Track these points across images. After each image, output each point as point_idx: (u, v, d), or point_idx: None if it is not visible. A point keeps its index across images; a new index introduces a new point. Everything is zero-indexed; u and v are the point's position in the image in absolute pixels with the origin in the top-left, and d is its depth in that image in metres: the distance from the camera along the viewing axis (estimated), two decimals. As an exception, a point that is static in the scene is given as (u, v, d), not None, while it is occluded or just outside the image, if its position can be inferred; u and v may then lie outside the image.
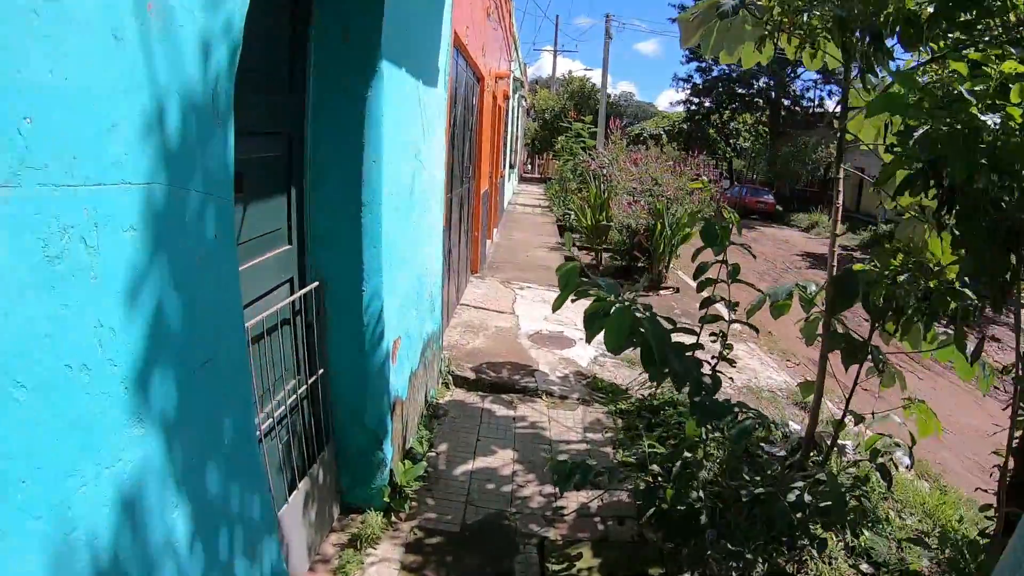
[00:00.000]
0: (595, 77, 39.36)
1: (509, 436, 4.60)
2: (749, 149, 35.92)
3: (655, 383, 2.32)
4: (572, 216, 14.50)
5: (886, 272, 2.87)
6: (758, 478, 2.80)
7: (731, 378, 7.11)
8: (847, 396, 3.44)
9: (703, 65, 36.73)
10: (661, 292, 10.58)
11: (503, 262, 10.22)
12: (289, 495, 2.78)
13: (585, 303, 2.41)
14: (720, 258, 2.76)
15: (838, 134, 3.41)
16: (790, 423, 6.18)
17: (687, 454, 2.89)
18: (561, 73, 43.34)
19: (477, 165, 8.30)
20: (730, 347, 2.91)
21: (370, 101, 2.74)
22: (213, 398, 1.61)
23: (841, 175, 3.52)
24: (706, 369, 2.71)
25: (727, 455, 3.08)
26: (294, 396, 2.82)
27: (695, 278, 2.89)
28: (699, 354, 2.69)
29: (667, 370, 2.26)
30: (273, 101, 2.53)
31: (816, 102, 34.39)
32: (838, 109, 3.18)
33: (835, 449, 4.11)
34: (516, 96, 20.38)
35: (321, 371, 3.07)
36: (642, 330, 2.19)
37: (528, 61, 34.69)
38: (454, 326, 6.53)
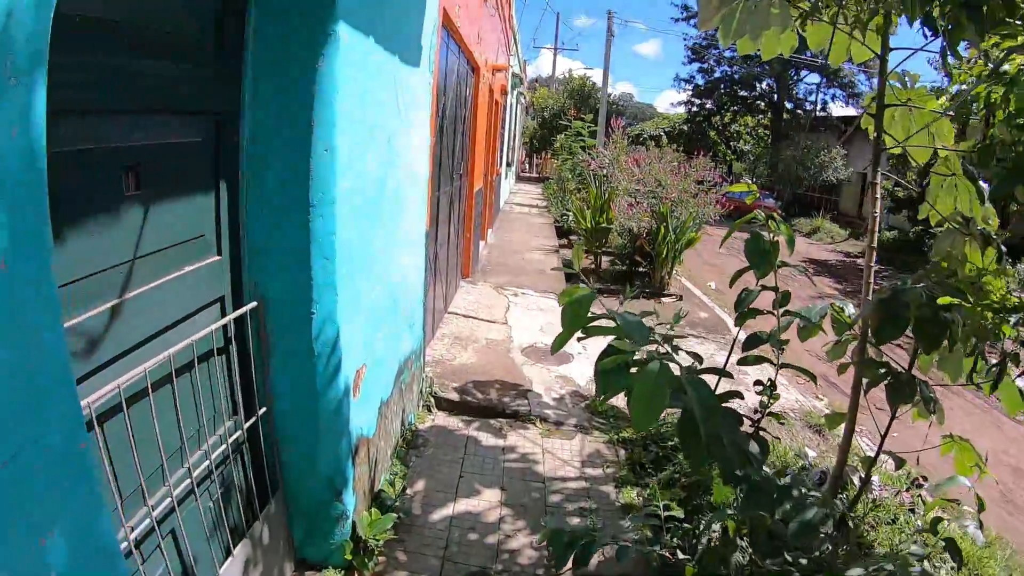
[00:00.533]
0: (595, 77, 38.85)
1: (496, 472, 4.02)
2: (749, 152, 35.36)
3: (692, 467, 1.73)
4: (571, 217, 13.93)
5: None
6: (803, 560, 2.21)
7: (741, 397, 6.57)
8: (882, 433, 2.86)
9: (705, 66, 36.26)
10: (663, 299, 10.01)
11: (497, 265, 9.63)
12: (224, 561, 2.20)
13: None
14: (769, 284, 2.17)
15: (875, 134, 2.84)
16: (807, 450, 5.64)
17: (714, 527, 2.31)
18: (561, 72, 42.83)
19: (470, 161, 7.71)
20: (776, 396, 2.32)
21: (322, 73, 2.15)
22: (17, 515, 1.02)
23: (879, 179, 2.93)
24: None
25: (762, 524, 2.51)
26: (227, 443, 2.23)
27: (736, 308, 2.29)
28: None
29: (714, 449, 1.66)
30: (194, 71, 1.95)
31: (819, 106, 33.94)
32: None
33: (866, 488, 3.56)
34: (515, 93, 19.80)
35: (263, 410, 2.49)
36: (685, 393, 1.58)
37: (528, 59, 34.14)
38: (440, 338, 5.94)
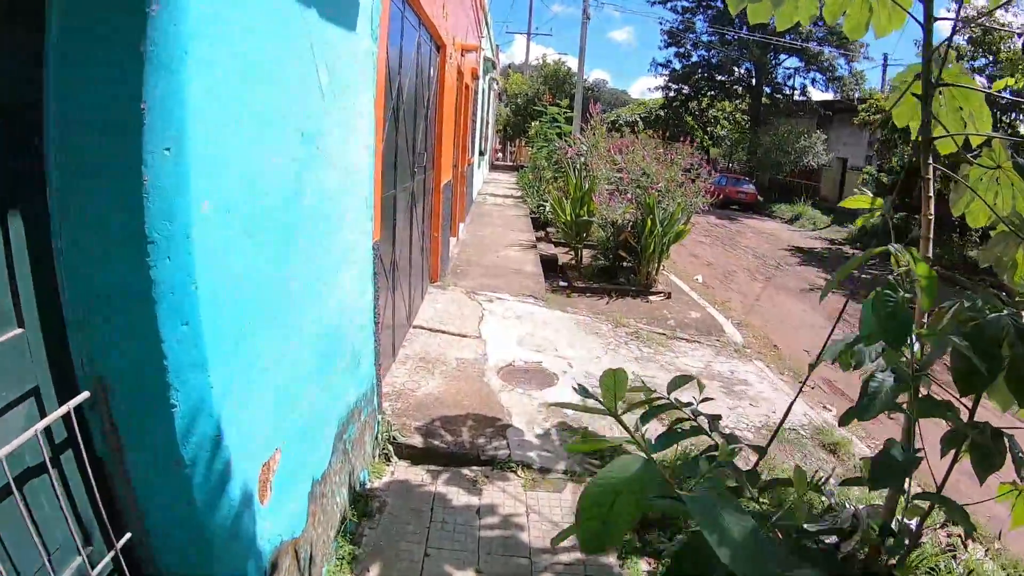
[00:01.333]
0: (570, 63, 37.93)
1: (471, 544, 3.20)
2: (726, 138, 34.77)
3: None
4: (548, 208, 13.12)
5: None
6: None
7: (745, 412, 5.85)
8: (939, 484, 2.07)
9: (682, 51, 35.59)
10: (651, 298, 9.25)
11: (469, 265, 8.78)
12: None
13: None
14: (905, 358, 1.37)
15: (923, 119, 2.08)
16: (831, 480, 4.91)
17: None
18: (535, 58, 41.81)
19: (436, 152, 6.86)
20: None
21: (158, 24, 1.30)
22: None
23: (931, 175, 2.15)
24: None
25: None
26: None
27: (859, 401, 1.48)
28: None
29: None
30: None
31: (799, 90, 33.47)
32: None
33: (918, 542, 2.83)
34: (487, 78, 18.89)
35: (128, 536, 1.65)
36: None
37: (501, 46, 33.13)
38: (403, 361, 5.10)
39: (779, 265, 15.47)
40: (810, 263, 16.32)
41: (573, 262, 10.50)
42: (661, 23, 36.75)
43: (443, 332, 5.81)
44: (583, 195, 10.27)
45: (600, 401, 1.31)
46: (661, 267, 9.89)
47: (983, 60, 15.39)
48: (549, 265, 10.27)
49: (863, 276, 16.05)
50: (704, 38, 34.61)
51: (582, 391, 1.44)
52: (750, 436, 5.20)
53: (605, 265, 10.00)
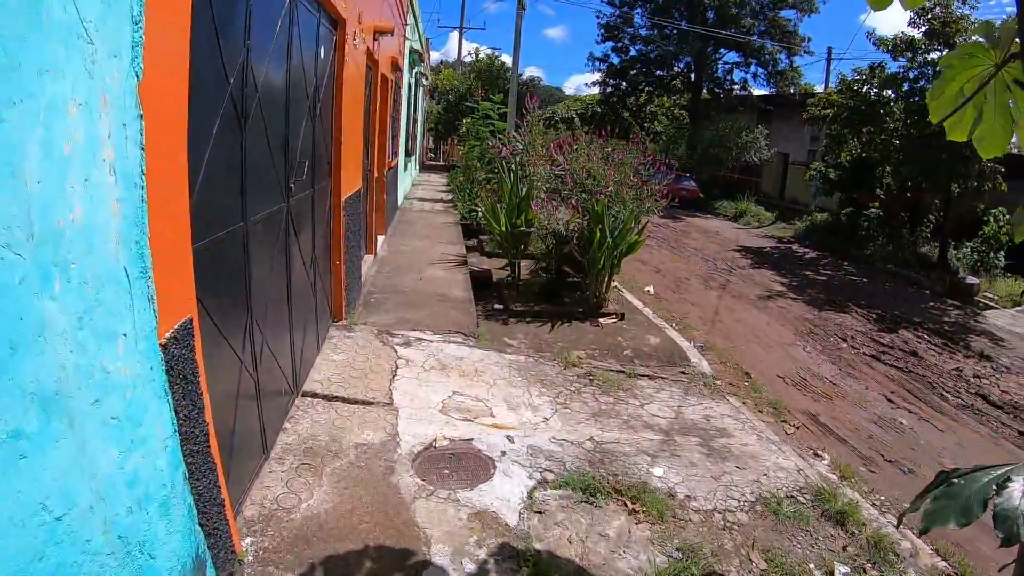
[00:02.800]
0: (504, 59, 36.46)
1: None
2: (663, 133, 34.01)
3: None
4: (480, 214, 11.73)
5: None
6: None
7: (733, 481, 4.62)
8: None
9: (620, 45, 34.70)
10: (602, 321, 7.98)
11: (385, 293, 7.29)
12: None
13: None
14: None
15: None
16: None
17: None
18: (467, 53, 40.27)
19: (336, 158, 5.38)
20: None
21: None
22: None
23: None
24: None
25: None
26: None
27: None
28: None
29: None
30: None
31: (739, 84, 32.96)
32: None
33: None
34: (415, 72, 17.38)
35: None
36: None
37: (433, 41, 31.51)
38: (281, 456, 3.62)
39: (731, 269, 14.49)
40: (762, 265, 15.41)
41: (510, 278, 9.15)
42: (599, 16, 35.84)
43: (342, 400, 4.35)
44: (520, 201, 8.89)
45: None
46: (612, 284, 8.63)
47: (937, 53, 14.72)
48: (482, 282, 8.91)
49: (818, 278, 15.28)
50: (643, 32, 33.83)
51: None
52: (745, 519, 3.99)
53: (547, 281, 8.68)
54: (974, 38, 1.96)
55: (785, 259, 16.84)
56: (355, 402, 4.35)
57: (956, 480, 1.78)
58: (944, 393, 7.63)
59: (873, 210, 18.37)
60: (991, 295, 13.66)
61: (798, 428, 6.18)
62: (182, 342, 2.13)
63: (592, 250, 7.91)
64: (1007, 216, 14.67)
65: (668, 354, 7.07)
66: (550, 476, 3.90)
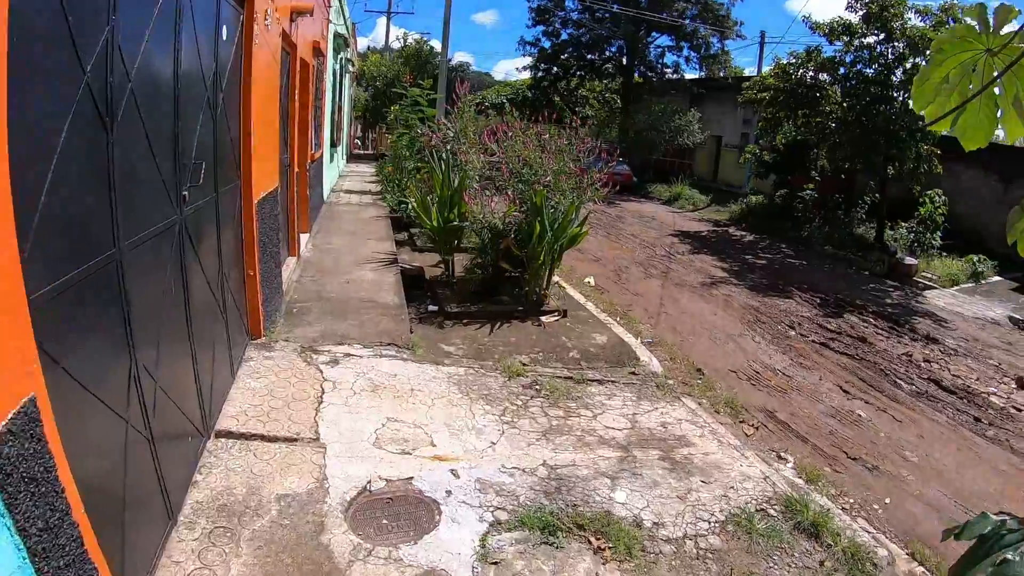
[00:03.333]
0: (434, 44, 35.48)
1: None
2: (593, 117, 33.85)
3: None
4: (409, 207, 11.11)
5: None
6: None
7: (700, 499, 4.27)
8: None
9: (551, 29, 34.20)
10: (544, 319, 7.57)
11: (310, 300, 6.65)
12: None
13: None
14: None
15: None
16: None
17: None
18: (395, 38, 39.19)
19: (244, 155, 4.75)
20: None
21: None
22: None
23: None
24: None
25: None
26: None
27: None
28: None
29: None
30: None
31: (671, 68, 32.96)
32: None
33: None
34: (340, 58, 16.53)
35: None
36: None
37: (361, 26, 30.32)
38: (191, 521, 3.00)
39: (671, 255, 14.33)
40: (701, 250, 15.32)
41: (445, 275, 8.64)
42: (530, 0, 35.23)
43: (261, 438, 3.77)
44: (452, 193, 8.36)
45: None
46: (553, 279, 8.23)
47: (873, 37, 14.79)
48: (415, 281, 8.38)
49: (758, 262, 15.27)
50: (575, 16, 33.43)
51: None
52: (718, 543, 3.68)
53: (484, 277, 8.19)
54: (966, 19, 1.64)
55: (724, 243, 16.82)
56: (276, 440, 3.78)
57: (1010, 557, 1.40)
58: (897, 380, 7.55)
59: (808, 192, 18.54)
60: (930, 275, 13.86)
61: (757, 428, 5.93)
62: (21, 434, 1.58)
63: (532, 244, 7.47)
64: (942, 197, 14.93)
65: (616, 353, 6.72)
66: (503, 515, 3.45)
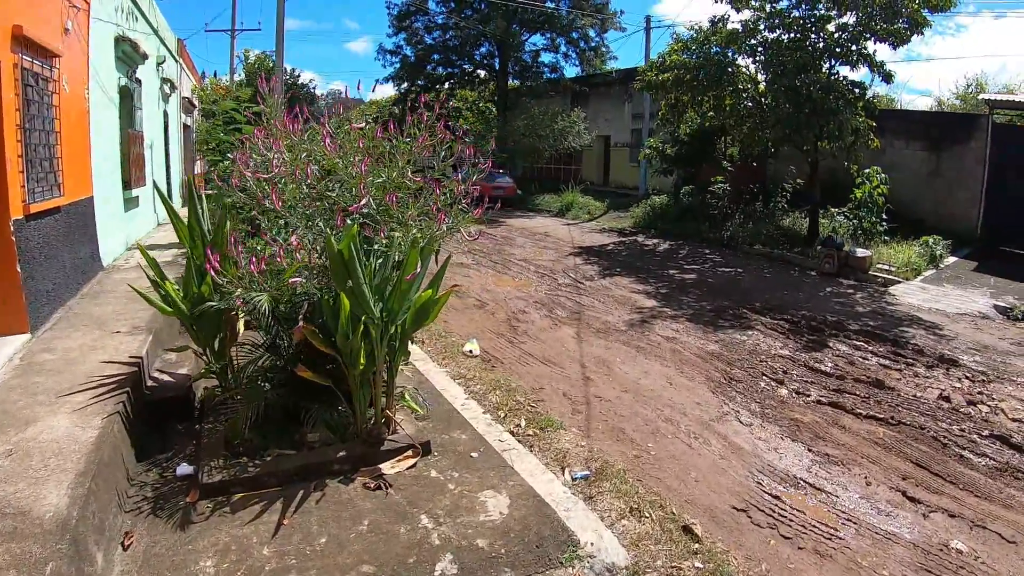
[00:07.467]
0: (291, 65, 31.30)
1: None
2: (470, 130, 30.64)
3: None
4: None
5: None
6: None
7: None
8: None
9: (416, 37, 30.69)
10: (386, 468, 3.92)
11: None
12: None
13: None
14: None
15: None
16: None
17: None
18: (238, 55, 34.57)
19: None
20: None
21: None
22: None
23: None
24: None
25: None
26: None
27: None
28: None
29: None
30: None
31: (549, 68, 30.20)
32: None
33: None
34: (159, 76, 12.70)
35: None
36: None
37: (212, 51, 25.69)
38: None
39: (577, 283, 10.90)
40: (613, 270, 12.06)
41: (219, 389, 4.80)
42: (389, 8, 31.48)
43: None
44: (214, 243, 4.55)
45: None
46: (394, 392, 4.47)
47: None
48: (176, 407, 4.57)
49: (686, 277, 12.19)
50: (439, 19, 30.09)
51: None
52: None
53: (279, 396, 4.38)
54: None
55: (636, 256, 13.71)
56: None
57: None
58: (961, 452, 4.78)
59: (719, 185, 15.79)
60: (886, 266, 11.52)
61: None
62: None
63: (343, 333, 3.77)
64: (882, 175, 12.45)
65: (532, 538, 3.20)
66: None
